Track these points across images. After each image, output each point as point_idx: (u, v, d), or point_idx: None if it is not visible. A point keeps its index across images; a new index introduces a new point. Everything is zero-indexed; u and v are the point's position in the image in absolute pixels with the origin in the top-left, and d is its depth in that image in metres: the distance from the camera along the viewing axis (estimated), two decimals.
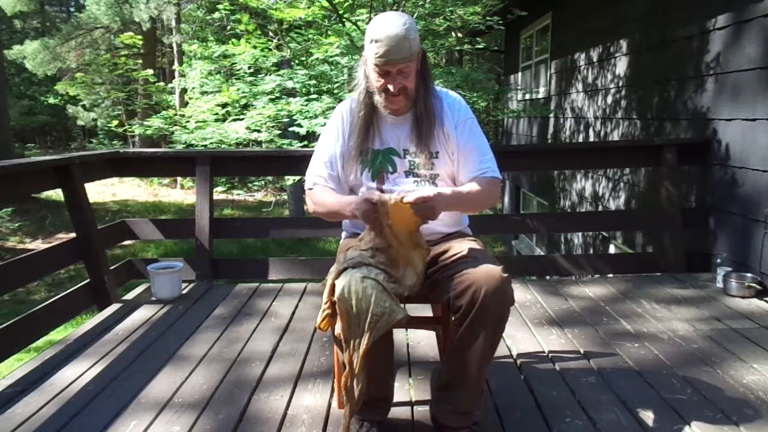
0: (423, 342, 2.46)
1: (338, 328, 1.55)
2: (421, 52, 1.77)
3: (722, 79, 3.49)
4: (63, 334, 3.76)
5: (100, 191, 13.69)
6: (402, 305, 1.55)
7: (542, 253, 7.62)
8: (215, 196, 6.99)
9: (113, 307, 3.00)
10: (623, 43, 5.13)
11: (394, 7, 6.30)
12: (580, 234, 6.23)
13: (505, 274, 1.55)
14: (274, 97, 6.75)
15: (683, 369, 2.15)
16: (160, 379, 2.16)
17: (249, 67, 7.28)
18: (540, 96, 8.19)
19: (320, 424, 1.83)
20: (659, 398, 1.94)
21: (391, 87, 1.71)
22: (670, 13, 4.27)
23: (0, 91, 12.15)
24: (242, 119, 7.04)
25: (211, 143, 6.81)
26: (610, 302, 2.95)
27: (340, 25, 7.07)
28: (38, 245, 9.79)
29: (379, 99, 1.77)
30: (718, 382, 2.05)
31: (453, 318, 1.64)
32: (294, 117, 6.44)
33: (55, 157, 3.07)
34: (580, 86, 6.36)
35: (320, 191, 1.85)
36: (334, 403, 1.94)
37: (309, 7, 7.21)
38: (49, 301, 2.81)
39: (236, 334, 2.61)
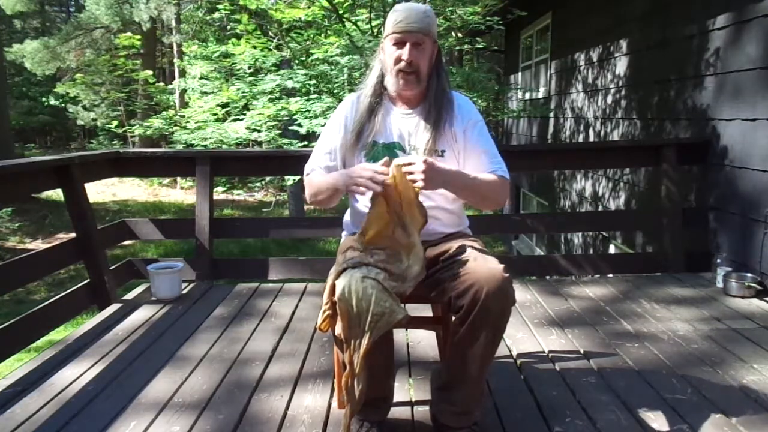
0: (423, 342, 2.46)
1: (338, 328, 1.55)
2: (437, 47, 1.81)
3: (722, 79, 3.49)
4: (63, 334, 3.76)
5: (100, 191, 13.68)
6: (402, 305, 1.55)
7: (542, 253, 7.62)
8: (215, 196, 6.99)
9: (113, 307, 2.99)
10: (623, 43, 5.13)
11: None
12: (580, 234, 6.23)
13: (507, 274, 1.55)
14: (274, 97, 6.75)
15: (683, 369, 2.15)
16: (159, 379, 2.16)
17: (249, 67, 7.28)
18: (540, 96, 8.19)
19: (320, 424, 1.83)
20: (659, 398, 1.94)
21: (405, 56, 1.73)
22: (670, 13, 4.27)
23: (0, 91, 12.14)
24: (242, 119, 7.04)
25: (211, 143, 6.81)
26: (610, 302, 2.95)
27: (340, 25, 7.07)
28: (38, 245, 9.79)
29: (391, 80, 1.78)
30: (718, 382, 2.05)
31: (454, 318, 1.64)
32: (294, 117, 6.44)
33: (55, 157, 3.06)
34: (580, 86, 6.36)
35: (315, 176, 1.85)
36: (334, 403, 1.94)
37: (309, 7, 7.21)
38: (49, 301, 2.81)
39: (236, 334, 2.61)
